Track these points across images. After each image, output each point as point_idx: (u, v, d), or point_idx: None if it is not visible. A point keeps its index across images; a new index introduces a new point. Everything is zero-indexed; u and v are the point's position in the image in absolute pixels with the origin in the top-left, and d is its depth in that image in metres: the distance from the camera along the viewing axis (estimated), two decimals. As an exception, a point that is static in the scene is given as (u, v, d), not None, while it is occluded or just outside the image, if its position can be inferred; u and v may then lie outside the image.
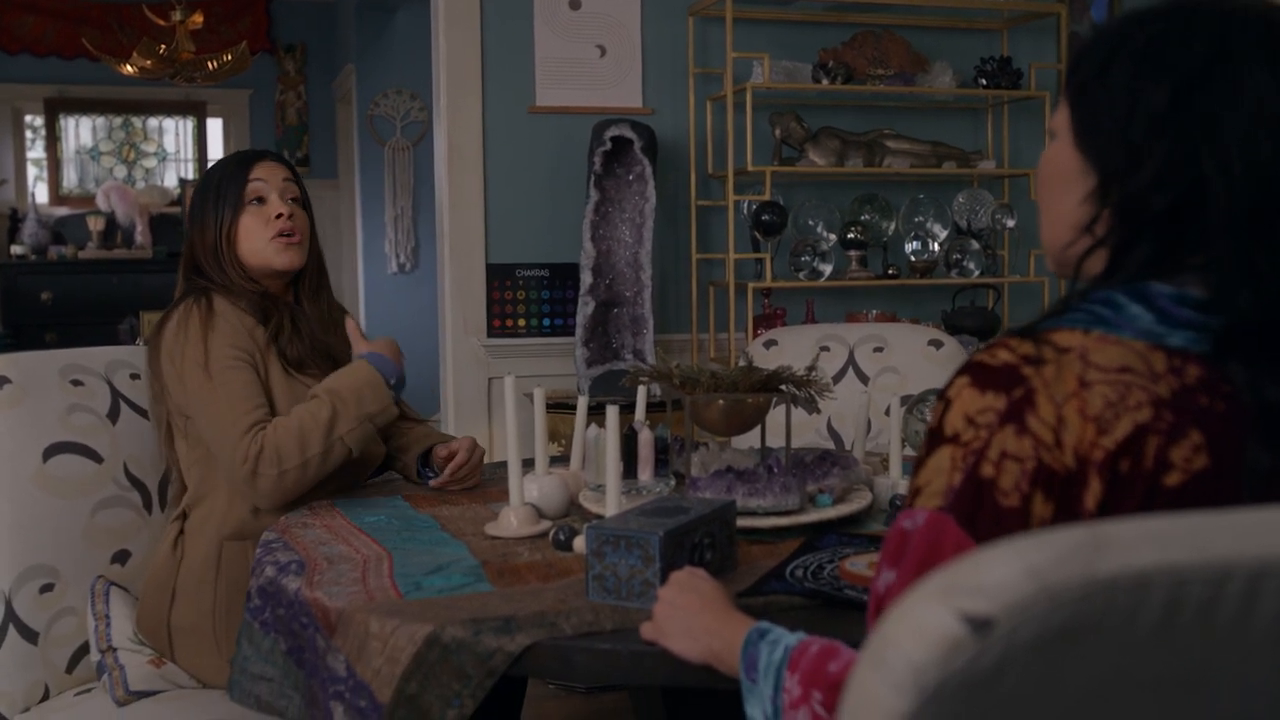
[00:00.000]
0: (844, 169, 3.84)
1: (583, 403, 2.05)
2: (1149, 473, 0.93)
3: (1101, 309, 0.98)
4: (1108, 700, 0.70)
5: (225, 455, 1.95)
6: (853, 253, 3.91)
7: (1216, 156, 0.96)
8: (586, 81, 3.88)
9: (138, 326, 6.24)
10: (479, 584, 1.48)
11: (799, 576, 1.47)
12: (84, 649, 1.99)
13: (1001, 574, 0.66)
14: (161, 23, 5.93)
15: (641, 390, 2.12)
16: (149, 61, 5.84)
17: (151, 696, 1.92)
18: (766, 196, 3.72)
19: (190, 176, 7.86)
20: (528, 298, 3.85)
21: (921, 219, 4.07)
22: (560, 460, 2.18)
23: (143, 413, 2.17)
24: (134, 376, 2.19)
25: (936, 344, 2.80)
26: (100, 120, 7.86)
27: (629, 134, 3.56)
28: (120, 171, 7.89)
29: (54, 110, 7.65)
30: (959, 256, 3.95)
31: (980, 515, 0.93)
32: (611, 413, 1.64)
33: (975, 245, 3.96)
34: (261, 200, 2.16)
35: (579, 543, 1.62)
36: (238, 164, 2.18)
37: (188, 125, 8.03)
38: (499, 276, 3.83)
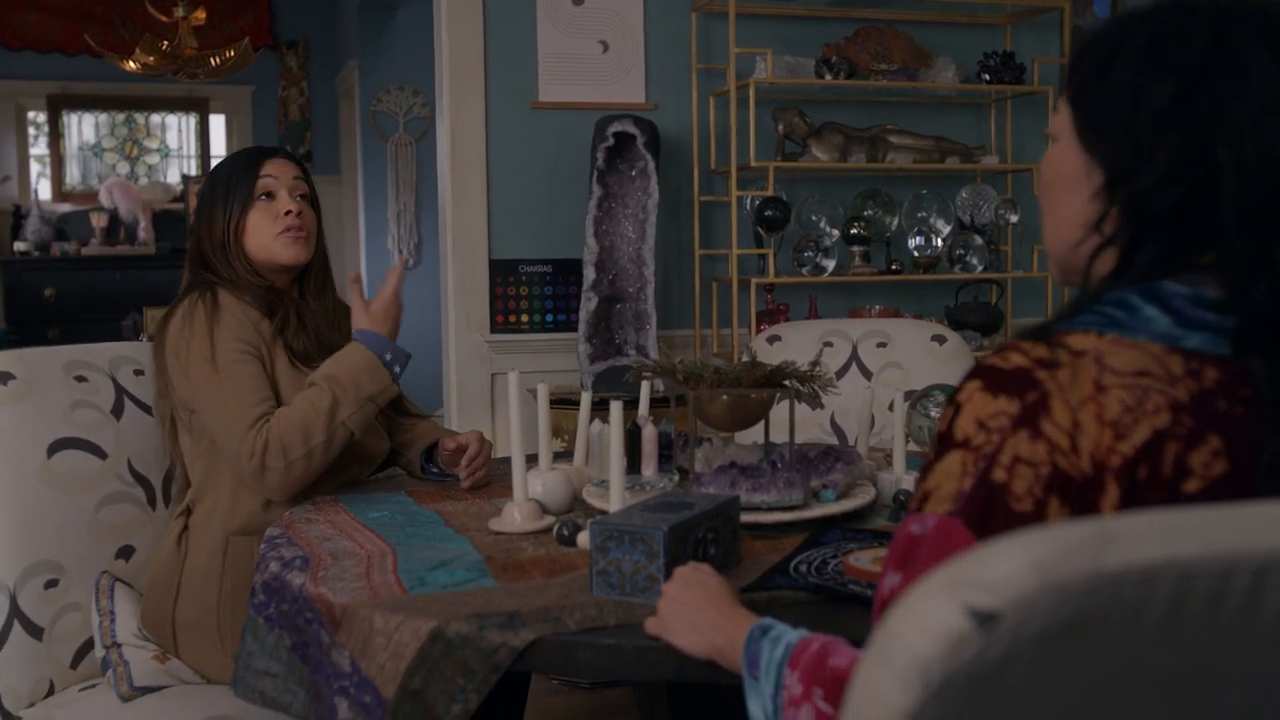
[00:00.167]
0: (847, 164, 3.83)
1: (586, 398, 2.05)
2: (1168, 479, 0.91)
3: (1115, 311, 0.97)
4: (1114, 694, 0.70)
5: (232, 449, 1.95)
6: (856, 248, 3.91)
7: (1230, 147, 0.95)
8: (589, 77, 3.87)
9: (141, 322, 6.24)
10: (483, 579, 1.49)
11: (803, 572, 1.47)
12: (89, 645, 1.99)
13: (1007, 568, 0.66)
14: (164, 19, 5.93)
15: (645, 386, 2.12)
16: (152, 58, 5.84)
17: (156, 692, 1.92)
18: (769, 192, 3.72)
19: (193, 173, 7.86)
20: (530, 293, 3.85)
21: (924, 214, 4.07)
22: (564, 456, 2.18)
23: (147, 408, 2.17)
24: (138, 372, 2.19)
25: (940, 339, 2.80)
26: (103, 117, 7.86)
27: (632, 129, 3.56)
28: (123, 168, 7.89)
29: (57, 107, 7.65)
30: (962, 252, 3.95)
31: (991, 520, 0.91)
32: (615, 408, 1.64)
33: (978, 241, 3.96)
34: (270, 196, 2.16)
35: (583, 538, 1.62)
36: (248, 160, 2.18)
37: (190, 121, 8.03)
38: (502, 272, 3.83)
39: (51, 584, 1.95)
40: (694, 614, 1.23)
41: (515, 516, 1.75)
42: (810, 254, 3.83)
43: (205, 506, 2.06)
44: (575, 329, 3.74)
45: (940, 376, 2.61)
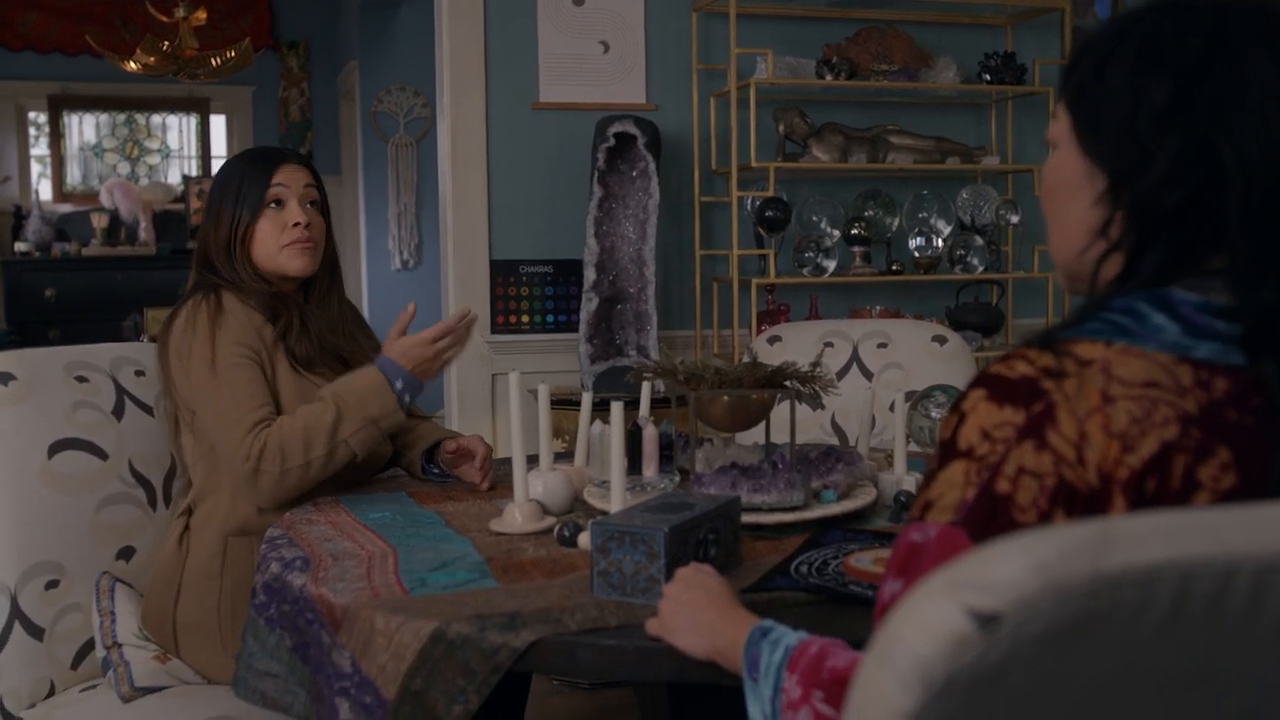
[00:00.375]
0: (848, 165, 3.83)
1: (587, 399, 2.05)
2: (1176, 492, 0.90)
3: (1123, 319, 0.96)
4: (1115, 695, 0.70)
5: (228, 452, 1.95)
6: (856, 249, 3.91)
7: (1232, 145, 0.94)
8: (590, 78, 3.87)
9: (141, 323, 6.25)
10: (484, 580, 1.48)
11: (804, 572, 1.47)
12: (89, 645, 1.99)
13: (1008, 570, 0.66)
14: (165, 19, 5.93)
15: (646, 386, 2.12)
16: (152, 58, 5.84)
17: (157, 692, 1.92)
18: (770, 192, 3.72)
19: (194, 173, 7.87)
20: (531, 294, 3.85)
21: (925, 215, 4.07)
22: (564, 457, 2.18)
23: (148, 409, 2.17)
24: (139, 373, 2.19)
25: (940, 340, 2.80)
26: (104, 117, 7.86)
27: (632, 130, 3.56)
28: (124, 168, 7.89)
29: (58, 107, 7.65)
30: (963, 252, 3.95)
31: (994, 530, 0.90)
32: (616, 409, 1.64)
33: (979, 241, 3.95)
34: (280, 204, 2.14)
35: (584, 539, 1.62)
36: (262, 164, 2.16)
37: (191, 122, 8.04)
38: (502, 273, 3.83)
39: (52, 585, 1.95)
40: (695, 615, 1.23)
41: (516, 517, 1.75)
42: (811, 254, 3.82)
43: (206, 506, 2.06)
44: (576, 329, 3.74)
45: (941, 377, 2.61)
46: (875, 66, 3.94)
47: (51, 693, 1.95)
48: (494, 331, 3.83)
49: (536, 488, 1.83)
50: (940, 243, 3.99)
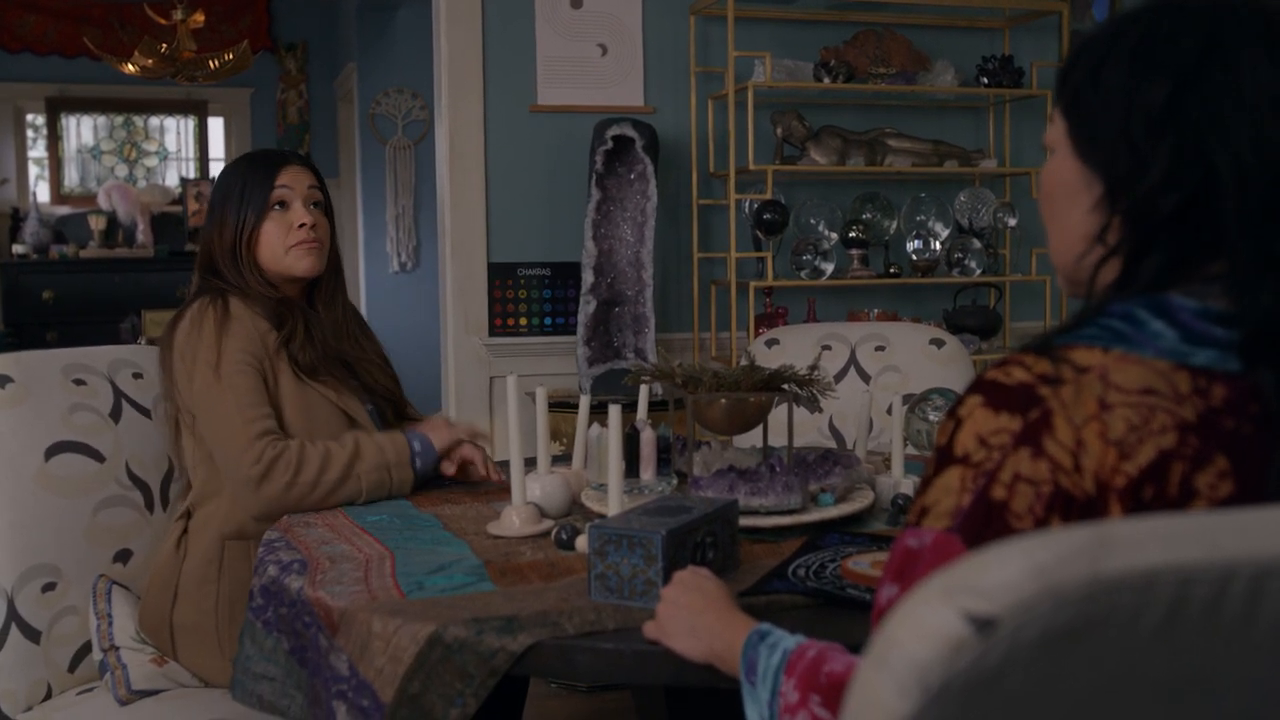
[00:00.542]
0: (845, 168, 3.83)
1: (585, 402, 2.05)
2: (1173, 500, 0.90)
3: (1121, 324, 0.95)
4: (1112, 700, 0.70)
5: (231, 456, 1.94)
6: (854, 251, 3.91)
7: (1226, 147, 0.94)
8: (588, 80, 3.88)
9: (139, 325, 6.24)
10: (481, 583, 1.48)
11: (801, 576, 1.47)
12: (86, 648, 1.99)
13: (1005, 574, 0.66)
14: (163, 21, 5.93)
15: (643, 389, 2.12)
16: (150, 60, 5.84)
17: (154, 695, 1.92)
18: (768, 195, 3.72)
19: (192, 175, 7.86)
20: (529, 297, 3.85)
21: (923, 218, 4.07)
22: (562, 459, 2.18)
23: (145, 412, 2.17)
24: (137, 376, 2.19)
25: (938, 343, 2.80)
26: (101, 119, 7.86)
27: (630, 133, 3.56)
28: (122, 170, 7.89)
29: (55, 109, 7.65)
30: (960, 255, 3.95)
31: (989, 537, 0.89)
32: (614, 412, 1.64)
33: (977, 244, 3.96)
34: (285, 206, 2.14)
35: (581, 542, 1.62)
36: (265, 167, 2.16)
37: (189, 124, 8.03)
38: (500, 275, 3.83)
39: (49, 587, 1.95)
40: (692, 618, 1.23)
41: (514, 520, 1.75)
42: (809, 257, 3.83)
43: (206, 510, 2.06)
44: (574, 332, 3.74)
45: (939, 380, 2.61)
46: (873, 69, 3.94)
47: (48, 695, 1.95)
48: (492, 334, 3.83)
49: (534, 491, 1.83)
50: (938, 245, 3.99)
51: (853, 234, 3.90)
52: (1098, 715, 0.70)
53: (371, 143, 6.91)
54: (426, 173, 6.67)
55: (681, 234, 3.95)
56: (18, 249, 7.19)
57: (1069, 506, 0.90)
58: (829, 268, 3.84)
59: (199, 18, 5.97)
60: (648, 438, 1.92)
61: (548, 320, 3.86)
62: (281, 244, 2.13)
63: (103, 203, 7.44)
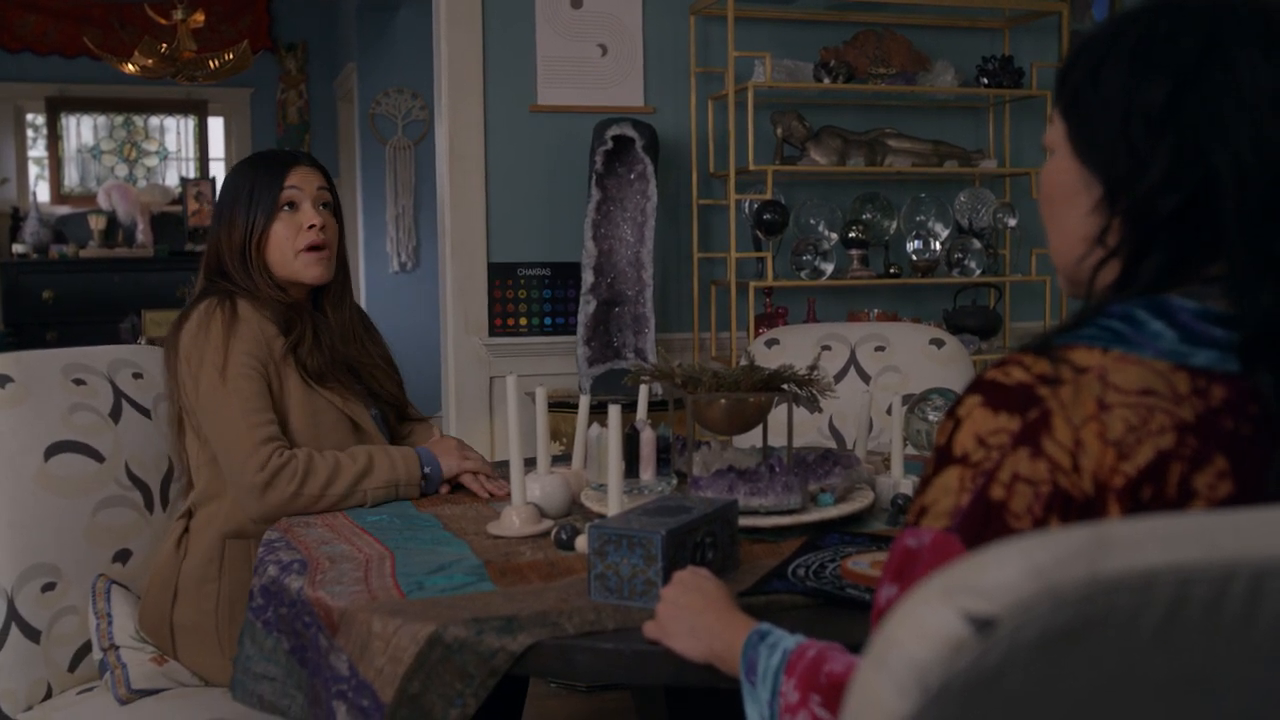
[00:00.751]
0: (845, 168, 3.83)
1: (584, 402, 2.05)
2: (1172, 501, 0.90)
3: (1120, 325, 0.95)
4: (1111, 700, 0.70)
5: (236, 461, 1.94)
6: (854, 252, 3.91)
7: (1226, 147, 0.94)
8: (588, 80, 3.88)
9: (139, 325, 6.24)
10: (481, 583, 1.48)
11: (801, 576, 1.47)
12: (86, 648, 1.99)
13: (1004, 574, 0.66)
14: (163, 21, 5.93)
15: (643, 389, 2.12)
16: (150, 60, 5.83)
17: (154, 695, 1.92)
18: (768, 195, 3.72)
19: (192, 175, 7.87)
20: (529, 296, 3.85)
21: (923, 218, 4.07)
22: (562, 459, 2.18)
23: (145, 412, 2.16)
24: (137, 376, 2.19)
25: (938, 343, 2.80)
26: (102, 119, 7.86)
27: (630, 133, 3.56)
28: (122, 170, 7.89)
29: (55, 109, 7.65)
30: (960, 255, 3.95)
31: (988, 537, 0.89)
32: (614, 412, 1.64)
33: (977, 244, 3.96)
34: (294, 206, 2.14)
35: (581, 542, 1.62)
36: (274, 167, 2.15)
37: (189, 124, 8.04)
38: (500, 275, 3.83)
39: (49, 587, 1.95)
40: (692, 618, 1.23)
41: (513, 520, 1.75)
42: (808, 257, 3.83)
43: (208, 511, 2.05)
44: (574, 332, 3.74)
45: (938, 380, 2.61)
46: (873, 70, 3.94)
47: (49, 695, 1.95)
48: (492, 334, 3.83)
49: (534, 491, 1.83)
50: (938, 246, 3.99)
51: (853, 234, 3.90)
52: (1097, 715, 0.71)
53: (371, 143, 6.91)
54: (426, 173, 6.67)
55: (681, 234, 3.96)
56: (18, 249, 7.19)
57: (1067, 506, 0.90)
58: (829, 268, 3.84)
59: (199, 18, 5.97)
60: (647, 438, 1.92)
61: (548, 320, 3.86)
62: (290, 245, 2.12)
63: (103, 202, 7.44)
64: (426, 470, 2.04)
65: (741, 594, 1.37)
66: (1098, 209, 1.00)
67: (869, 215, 4.03)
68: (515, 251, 3.85)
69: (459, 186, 3.80)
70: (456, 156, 3.79)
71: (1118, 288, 0.98)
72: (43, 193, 7.62)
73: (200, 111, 7.99)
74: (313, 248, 2.13)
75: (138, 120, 7.96)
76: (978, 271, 3.96)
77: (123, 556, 2.07)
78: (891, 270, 3.98)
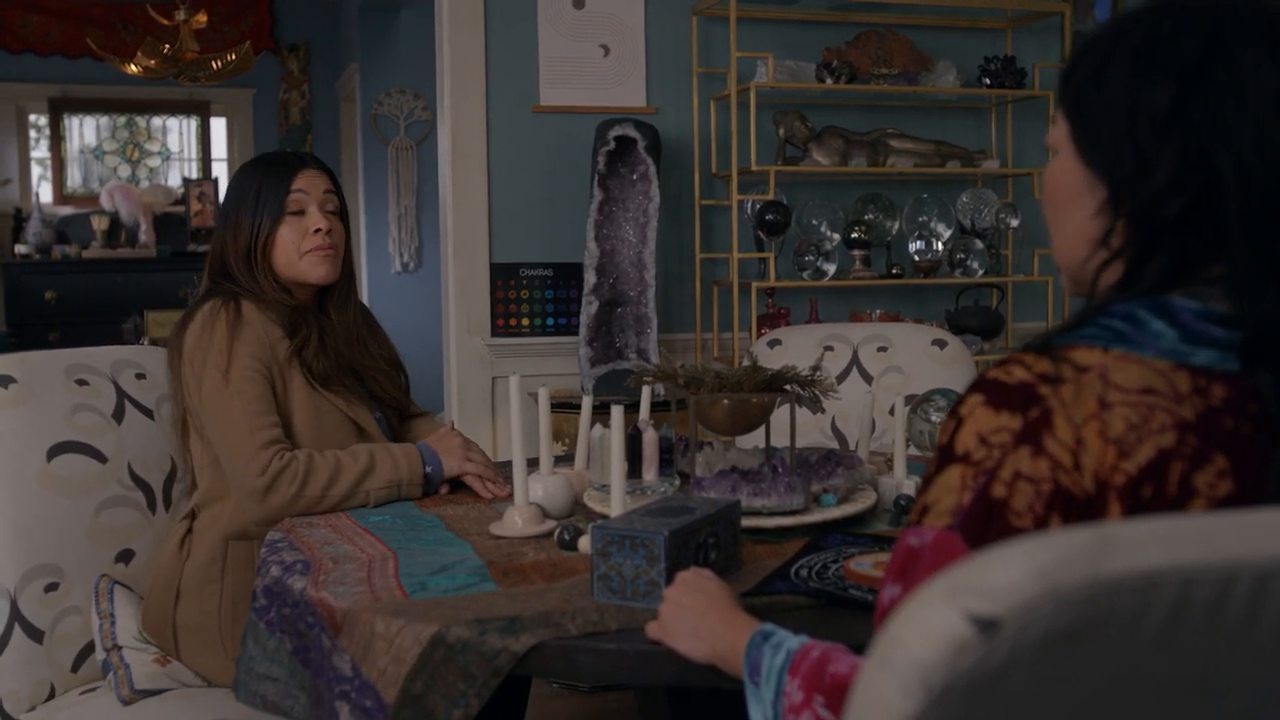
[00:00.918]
0: (848, 168, 3.84)
1: (587, 402, 2.05)
2: (1172, 499, 0.90)
3: (1121, 324, 0.95)
4: (1114, 701, 0.70)
5: (238, 465, 1.94)
6: (856, 252, 3.91)
7: (1229, 150, 0.94)
8: (590, 81, 3.88)
9: (142, 325, 6.24)
10: (484, 584, 1.49)
11: (804, 576, 1.47)
12: (89, 648, 1.99)
13: (1008, 575, 0.66)
14: (165, 22, 5.93)
15: (646, 390, 2.12)
16: (153, 61, 5.84)
17: (157, 695, 1.92)
18: (770, 196, 3.72)
19: (194, 176, 7.87)
20: (531, 297, 3.85)
21: (925, 218, 4.07)
22: (565, 460, 2.18)
23: (148, 412, 2.17)
24: (140, 376, 2.19)
25: (940, 344, 2.80)
26: (104, 120, 7.87)
27: (633, 133, 3.56)
28: (124, 171, 7.90)
29: (58, 110, 7.65)
30: (963, 256, 3.95)
31: (989, 535, 0.90)
32: (616, 412, 1.64)
33: (979, 245, 3.96)
34: (301, 211, 2.14)
35: (584, 542, 1.62)
36: (281, 170, 2.15)
37: (191, 125, 8.04)
38: (502, 276, 3.83)
39: (52, 587, 1.95)
40: (695, 619, 1.23)
41: (516, 521, 1.75)
42: (811, 258, 3.83)
43: (211, 512, 2.05)
44: (576, 333, 3.74)
45: (941, 381, 2.61)
46: (875, 70, 3.94)
47: (51, 695, 1.95)
48: (494, 334, 3.83)
49: (536, 491, 1.83)
50: (940, 246, 3.99)
51: (855, 234, 3.90)
52: (1100, 716, 0.71)
53: (374, 143, 6.92)
54: (429, 173, 6.67)
55: (684, 234, 3.96)
56: (20, 249, 7.20)
57: (1069, 505, 0.90)
58: (831, 268, 3.84)
59: (201, 18, 5.98)
60: (650, 438, 1.92)
61: (550, 321, 3.86)
62: (296, 249, 2.12)
63: (105, 203, 7.45)
64: (428, 469, 2.04)
65: (744, 595, 1.37)
66: (1102, 211, 1.00)
67: (871, 216, 4.04)
68: (517, 252, 3.86)
69: (461, 187, 3.80)
70: (459, 157, 3.80)
71: (1120, 288, 0.99)
72: (45, 193, 7.63)
73: (203, 112, 8.00)
74: (319, 249, 2.13)
75: (140, 121, 7.96)
76: (980, 272, 3.96)
77: (125, 557, 2.07)
78: (894, 271, 3.98)
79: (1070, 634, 0.66)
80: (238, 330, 2.01)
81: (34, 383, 2.01)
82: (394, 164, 6.89)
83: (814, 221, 3.98)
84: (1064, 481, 0.90)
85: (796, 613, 1.36)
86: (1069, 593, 0.66)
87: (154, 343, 5.60)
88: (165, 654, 2.00)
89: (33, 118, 7.67)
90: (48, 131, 7.68)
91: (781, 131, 3.86)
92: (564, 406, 3.40)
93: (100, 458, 2.05)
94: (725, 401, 1.82)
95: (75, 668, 1.98)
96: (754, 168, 3.69)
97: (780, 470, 1.73)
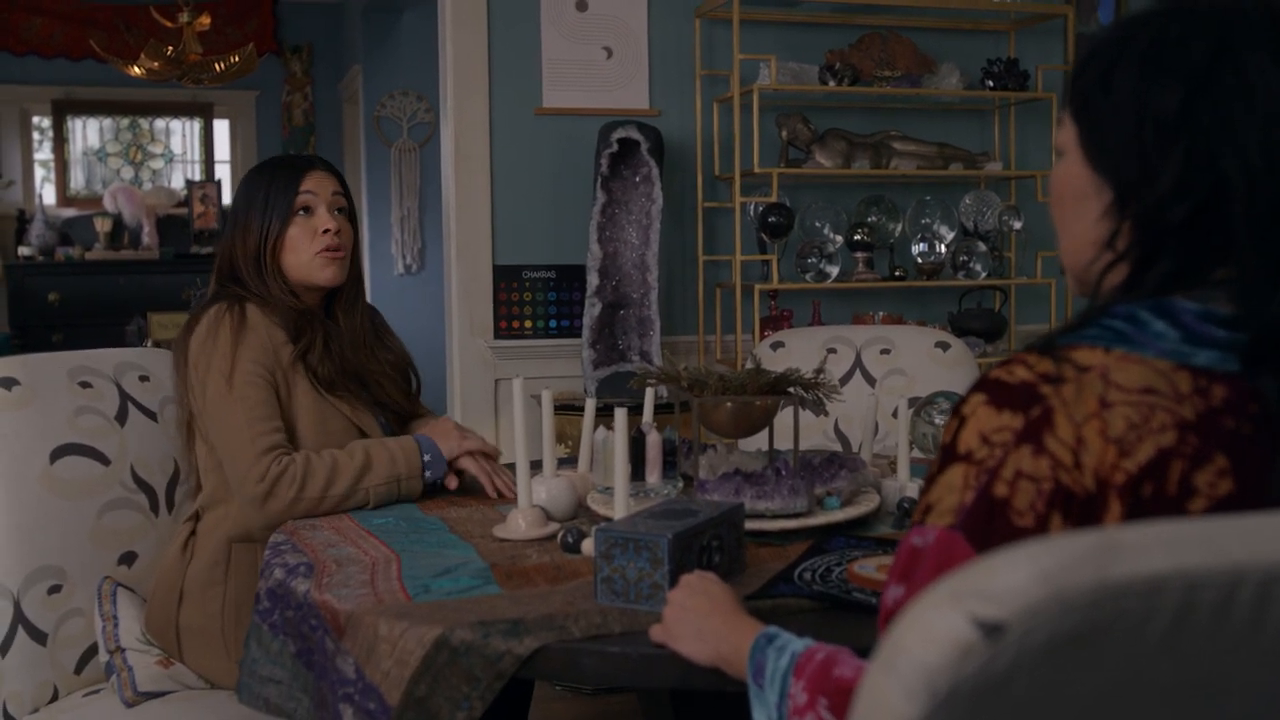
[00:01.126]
0: (851, 171, 3.84)
1: (590, 405, 2.05)
2: (1172, 498, 0.91)
3: (1123, 325, 0.96)
4: (1119, 705, 0.70)
5: (238, 471, 1.94)
6: (859, 254, 3.91)
7: (1235, 154, 0.94)
8: (593, 83, 3.88)
9: (145, 328, 6.25)
10: (487, 586, 1.49)
11: (807, 579, 1.47)
12: (92, 650, 2.00)
13: (1013, 579, 0.66)
14: (169, 24, 5.94)
15: (649, 392, 2.12)
16: (156, 63, 5.84)
17: (160, 697, 1.92)
18: (773, 198, 3.72)
19: (197, 178, 7.88)
20: (534, 299, 3.85)
21: (928, 221, 4.07)
22: (568, 462, 2.18)
23: (151, 415, 2.17)
24: (143, 379, 2.19)
25: (943, 346, 2.80)
26: (107, 122, 7.87)
27: (636, 135, 3.56)
28: (127, 173, 7.90)
29: (61, 112, 7.66)
30: (966, 258, 3.95)
31: (992, 534, 0.91)
32: (620, 415, 1.64)
33: (982, 247, 3.96)
34: (309, 211, 2.14)
35: (587, 545, 1.62)
36: (290, 172, 2.15)
37: (195, 126, 8.05)
38: (505, 278, 3.83)
39: (55, 589, 1.96)
40: (699, 621, 1.23)
41: (519, 523, 1.75)
42: (814, 260, 3.83)
43: (215, 514, 2.05)
44: (579, 335, 3.74)
45: (944, 383, 2.61)
46: (878, 72, 3.94)
47: (55, 697, 1.95)
48: (497, 336, 3.83)
49: (540, 494, 1.83)
50: (943, 248, 3.99)
51: (858, 237, 3.90)
52: (1105, 720, 0.71)
53: (376, 145, 6.92)
54: (431, 175, 6.67)
55: (686, 237, 3.96)
56: (23, 251, 7.20)
57: (1069, 503, 0.91)
58: (834, 271, 3.84)
59: (205, 20, 5.98)
60: (653, 441, 1.92)
61: (553, 323, 3.86)
62: (305, 250, 2.13)
63: (108, 205, 7.45)
64: (427, 457, 2.03)
65: (748, 598, 1.37)
66: (1108, 213, 1.00)
67: (874, 218, 4.04)
68: (520, 254, 3.86)
69: (464, 189, 3.80)
70: (462, 159, 3.80)
71: (1124, 290, 0.99)
72: (49, 195, 7.63)
73: (206, 114, 8.00)
74: (328, 250, 2.14)
75: (143, 123, 7.97)
76: (983, 274, 3.96)
77: (128, 559, 2.08)
78: (897, 273, 3.98)
79: (1075, 638, 0.66)
80: (242, 334, 2.02)
81: (37, 385, 2.01)
82: (397, 166, 6.90)
83: (817, 224, 3.98)
84: (1065, 480, 0.91)
85: (800, 616, 1.36)
86: (1074, 597, 0.66)
87: (157, 345, 5.61)
88: (168, 656, 2.00)
89: (36, 119, 7.68)
90: (51, 133, 7.69)
91: (784, 134, 3.86)
92: (567, 409, 3.40)
93: (103, 460, 2.05)
94: (729, 404, 1.82)
95: (78, 670, 1.98)
96: (757, 170, 3.69)
97: (783, 473, 1.73)
